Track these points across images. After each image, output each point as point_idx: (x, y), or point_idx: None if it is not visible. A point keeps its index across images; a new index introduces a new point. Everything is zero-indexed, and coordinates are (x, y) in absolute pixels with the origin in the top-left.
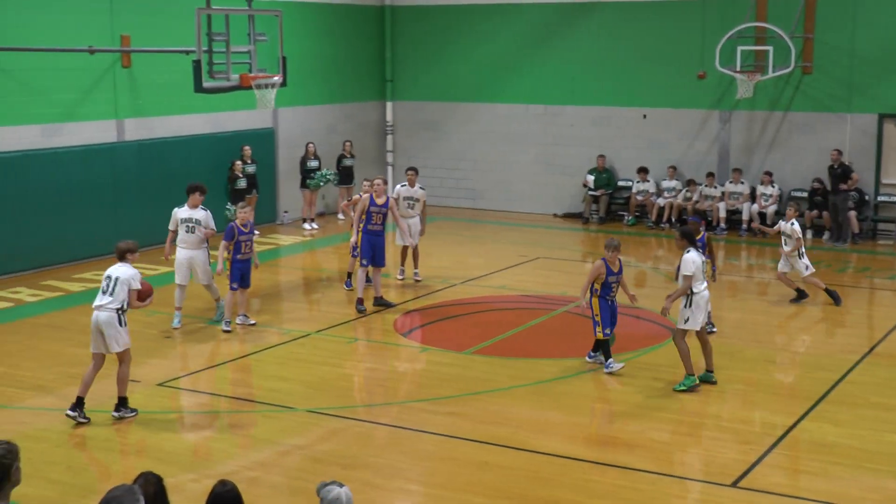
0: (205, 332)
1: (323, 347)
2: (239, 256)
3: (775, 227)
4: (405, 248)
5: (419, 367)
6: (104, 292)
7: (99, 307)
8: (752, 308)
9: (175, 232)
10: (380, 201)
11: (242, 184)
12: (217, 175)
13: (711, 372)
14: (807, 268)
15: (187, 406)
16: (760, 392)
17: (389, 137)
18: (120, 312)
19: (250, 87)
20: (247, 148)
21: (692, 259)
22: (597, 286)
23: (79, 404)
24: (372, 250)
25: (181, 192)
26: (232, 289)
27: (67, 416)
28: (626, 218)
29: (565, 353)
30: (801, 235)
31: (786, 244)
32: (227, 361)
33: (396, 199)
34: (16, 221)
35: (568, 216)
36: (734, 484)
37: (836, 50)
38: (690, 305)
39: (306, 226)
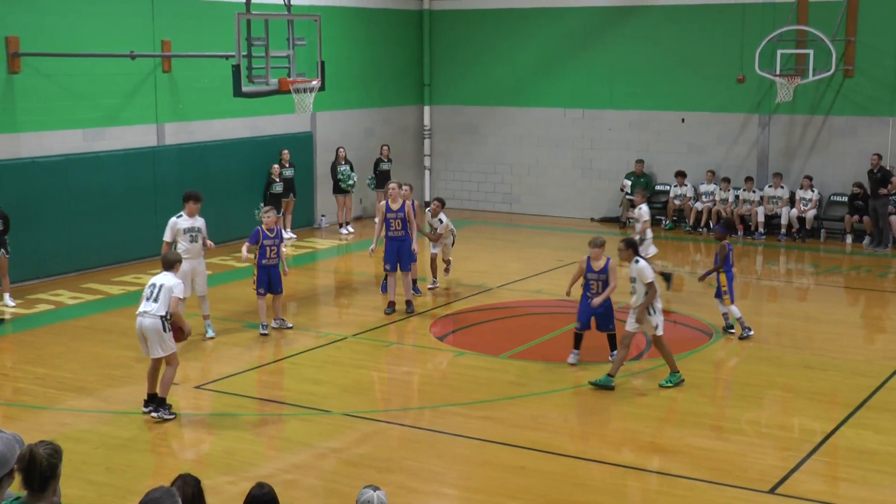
0: (242, 336)
1: (359, 351)
2: (264, 262)
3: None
4: (434, 257)
5: (454, 370)
6: (148, 299)
7: (143, 314)
8: (791, 313)
9: (170, 243)
10: (395, 206)
11: (279, 188)
12: (256, 179)
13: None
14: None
15: (224, 408)
16: (799, 398)
17: (427, 141)
18: (164, 319)
19: (289, 92)
20: (285, 152)
21: (647, 266)
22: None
23: (152, 400)
24: (395, 256)
25: (221, 196)
26: (259, 294)
27: (149, 414)
28: (663, 222)
29: (602, 357)
30: (647, 218)
31: (636, 228)
32: (264, 364)
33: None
34: (58, 225)
35: (605, 220)
36: (772, 490)
37: (878, 52)
38: (655, 312)
39: (342, 230)
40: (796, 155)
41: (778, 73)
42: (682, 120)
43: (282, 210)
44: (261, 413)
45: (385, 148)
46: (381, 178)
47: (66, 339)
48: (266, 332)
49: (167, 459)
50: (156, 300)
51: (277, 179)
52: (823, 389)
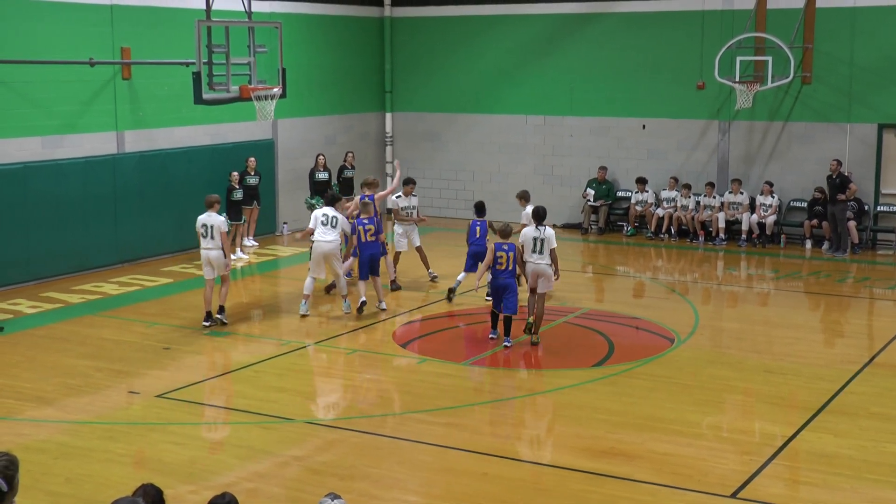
0: (203, 344)
1: (321, 358)
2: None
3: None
4: (397, 255)
5: (417, 377)
6: (326, 224)
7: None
8: (751, 318)
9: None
10: (364, 216)
11: (238, 195)
12: (217, 186)
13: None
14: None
15: (186, 417)
16: (760, 402)
17: (389, 148)
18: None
19: (250, 99)
20: (251, 159)
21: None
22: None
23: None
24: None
25: (182, 204)
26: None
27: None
28: (625, 228)
29: (564, 364)
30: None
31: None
32: (226, 373)
33: (396, 210)
34: (16, 233)
35: (567, 227)
36: (734, 495)
37: (835, 60)
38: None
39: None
40: (756, 161)
41: (737, 79)
42: (643, 126)
43: (244, 217)
44: (223, 421)
45: (349, 155)
46: (344, 186)
47: (24, 349)
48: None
49: (128, 469)
50: (333, 226)
51: (237, 186)
52: (784, 394)
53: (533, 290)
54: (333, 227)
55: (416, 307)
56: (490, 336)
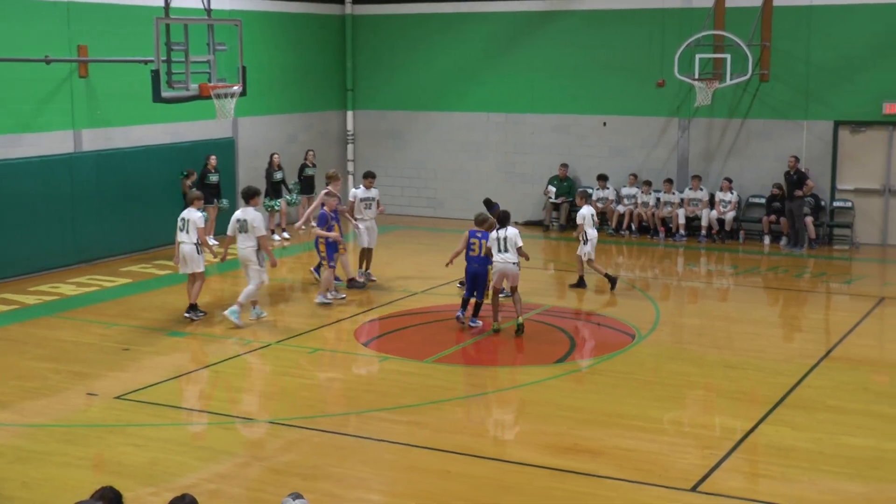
0: (163, 344)
1: (283, 358)
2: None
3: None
4: (363, 251)
5: (380, 376)
6: (244, 232)
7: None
8: (711, 314)
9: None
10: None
11: (214, 178)
12: (177, 185)
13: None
14: (586, 254)
15: (146, 419)
16: (720, 397)
17: (350, 146)
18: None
19: (210, 97)
20: (212, 158)
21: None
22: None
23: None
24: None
25: (141, 203)
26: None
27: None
28: None
29: (526, 360)
30: (581, 222)
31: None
32: (187, 373)
33: (354, 202)
34: None
35: (529, 224)
36: (694, 488)
37: (792, 58)
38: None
39: (275, 237)
40: (715, 158)
41: (696, 77)
42: (604, 124)
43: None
44: (184, 422)
45: (310, 153)
46: (305, 184)
47: None
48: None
49: (86, 473)
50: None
51: (191, 186)
52: (743, 388)
53: (496, 291)
54: (247, 231)
55: (377, 305)
56: (457, 315)
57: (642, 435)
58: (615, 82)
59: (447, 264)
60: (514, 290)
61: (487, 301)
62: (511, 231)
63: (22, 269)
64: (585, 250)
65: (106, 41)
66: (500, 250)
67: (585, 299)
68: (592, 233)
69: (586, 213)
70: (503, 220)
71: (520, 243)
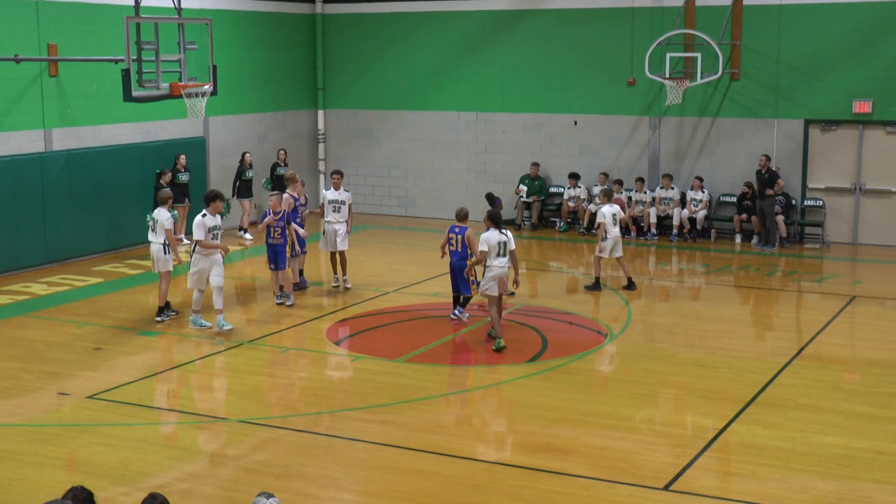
0: (135, 344)
1: (255, 357)
2: (270, 241)
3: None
4: (333, 255)
5: (352, 375)
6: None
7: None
8: (683, 312)
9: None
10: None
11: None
12: (147, 185)
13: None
14: (601, 250)
15: (118, 418)
16: (692, 396)
17: (321, 146)
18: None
19: (180, 96)
20: (182, 157)
21: (487, 237)
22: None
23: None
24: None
25: (111, 202)
26: (270, 268)
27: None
28: (557, 224)
29: (499, 359)
30: (602, 220)
31: (597, 229)
32: (159, 373)
33: (323, 204)
34: None
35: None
36: (666, 487)
37: (762, 57)
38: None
39: (247, 235)
40: (686, 156)
41: (667, 76)
42: (575, 123)
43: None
44: (156, 422)
45: (282, 152)
46: (277, 183)
47: None
48: (280, 301)
49: (58, 472)
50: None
51: (164, 185)
52: (715, 387)
53: (494, 301)
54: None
55: (350, 305)
56: (451, 314)
57: (614, 434)
58: (586, 81)
59: (441, 256)
60: (501, 297)
61: (476, 295)
62: (509, 235)
63: None
64: (605, 245)
65: (76, 40)
66: (499, 254)
67: (557, 298)
68: (615, 231)
69: (607, 211)
70: (496, 220)
71: (513, 246)
